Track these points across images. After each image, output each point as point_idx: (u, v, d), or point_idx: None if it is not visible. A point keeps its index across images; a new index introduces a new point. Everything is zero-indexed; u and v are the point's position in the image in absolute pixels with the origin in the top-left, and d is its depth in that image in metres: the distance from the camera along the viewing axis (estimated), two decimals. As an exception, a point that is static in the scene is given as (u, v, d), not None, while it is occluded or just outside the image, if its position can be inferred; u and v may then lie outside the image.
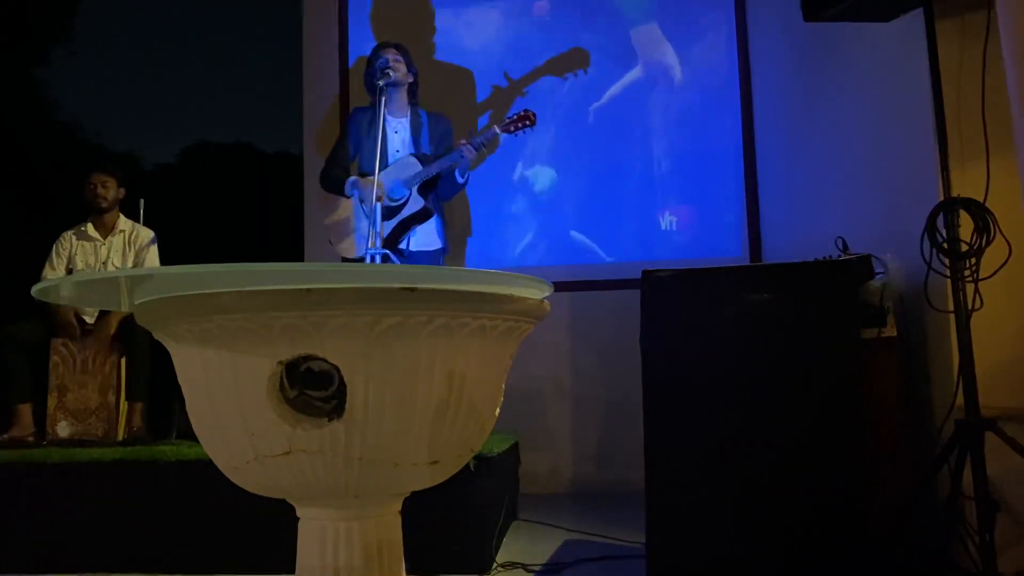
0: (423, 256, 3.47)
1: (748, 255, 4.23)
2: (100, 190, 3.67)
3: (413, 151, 3.51)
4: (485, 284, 1.14)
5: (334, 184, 3.60)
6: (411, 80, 3.60)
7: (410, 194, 3.40)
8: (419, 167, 3.41)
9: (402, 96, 3.58)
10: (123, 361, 3.44)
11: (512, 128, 3.40)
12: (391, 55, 3.52)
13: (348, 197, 3.54)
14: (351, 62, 4.68)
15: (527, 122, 3.38)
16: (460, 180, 3.49)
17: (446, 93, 4.39)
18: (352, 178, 3.55)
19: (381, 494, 1.20)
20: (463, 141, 3.38)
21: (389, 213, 3.36)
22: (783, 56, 3.92)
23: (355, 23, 4.72)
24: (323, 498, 1.17)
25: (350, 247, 3.52)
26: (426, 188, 3.46)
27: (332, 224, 3.65)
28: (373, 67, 3.50)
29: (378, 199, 3.18)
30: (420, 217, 3.42)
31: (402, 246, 3.39)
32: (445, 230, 3.61)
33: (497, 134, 3.42)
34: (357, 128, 3.63)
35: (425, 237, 3.49)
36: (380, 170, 3.22)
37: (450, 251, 3.73)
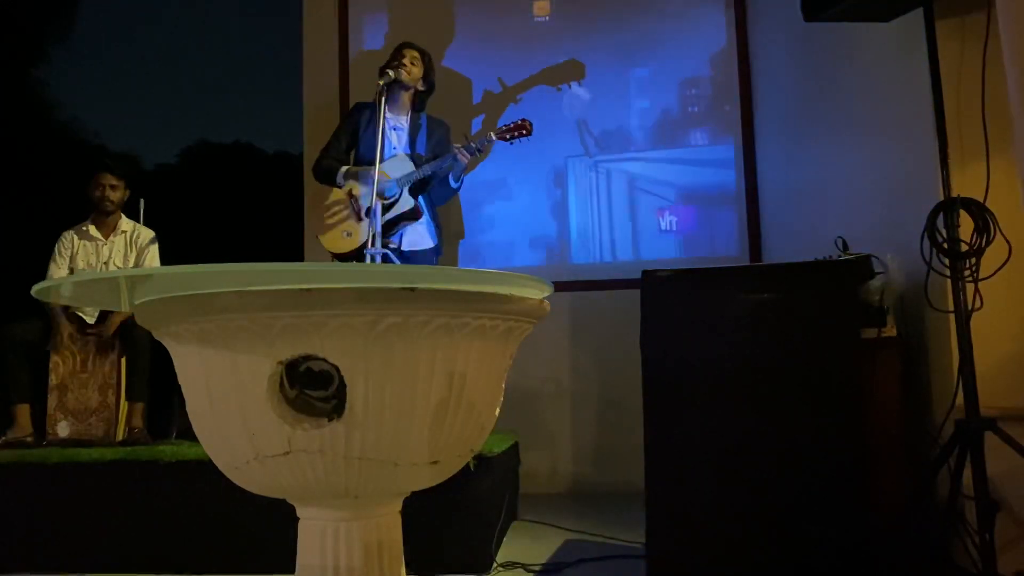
0: (416, 255, 3.47)
1: (748, 255, 4.23)
2: (108, 192, 3.64)
3: (409, 152, 3.51)
4: (485, 284, 1.14)
5: (326, 174, 3.58)
6: (423, 88, 3.60)
7: (400, 193, 3.40)
8: (412, 167, 3.42)
9: (405, 98, 3.58)
10: (123, 361, 3.44)
11: (508, 136, 3.42)
12: (409, 56, 3.52)
13: (340, 188, 3.53)
14: (351, 62, 4.67)
15: (523, 131, 3.40)
16: (454, 184, 3.50)
17: (445, 99, 4.37)
18: (344, 168, 3.54)
19: (381, 494, 1.20)
20: (458, 145, 3.39)
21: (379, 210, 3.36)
22: (783, 56, 3.92)
23: (355, 23, 4.71)
24: (323, 498, 1.17)
25: (336, 240, 3.51)
26: (417, 189, 3.47)
27: (320, 215, 3.64)
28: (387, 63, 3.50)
29: (378, 197, 3.18)
30: (408, 216, 3.42)
31: (392, 244, 3.39)
32: (438, 230, 3.61)
33: (492, 140, 3.43)
34: (357, 123, 3.63)
35: (417, 236, 3.49)
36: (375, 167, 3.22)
37: (443, 252, 3.73)
